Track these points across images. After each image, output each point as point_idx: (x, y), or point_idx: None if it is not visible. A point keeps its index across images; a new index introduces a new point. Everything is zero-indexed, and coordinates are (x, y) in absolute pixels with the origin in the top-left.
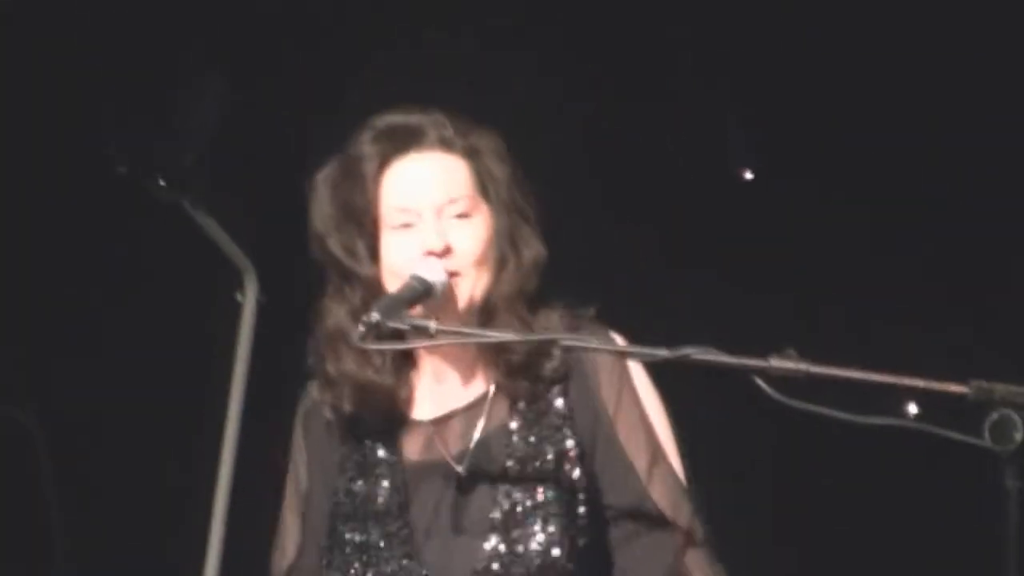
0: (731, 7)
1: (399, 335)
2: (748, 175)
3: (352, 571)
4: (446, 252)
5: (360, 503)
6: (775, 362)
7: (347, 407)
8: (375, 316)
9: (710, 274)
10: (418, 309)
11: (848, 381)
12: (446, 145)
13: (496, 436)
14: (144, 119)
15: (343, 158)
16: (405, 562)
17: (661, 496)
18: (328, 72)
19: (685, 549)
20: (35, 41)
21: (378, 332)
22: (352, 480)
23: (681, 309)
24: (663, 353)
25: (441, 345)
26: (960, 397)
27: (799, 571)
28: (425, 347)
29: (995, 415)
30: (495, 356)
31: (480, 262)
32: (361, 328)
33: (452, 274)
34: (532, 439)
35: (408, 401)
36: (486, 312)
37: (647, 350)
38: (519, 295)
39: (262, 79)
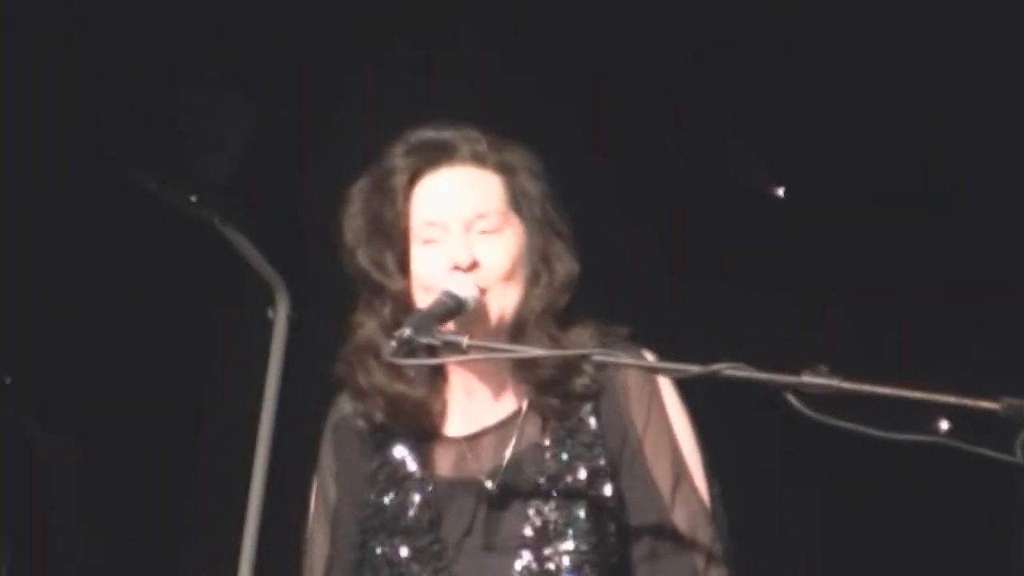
0: (731, 7)
1: (431, 350)
2: (780, 191)
3: None
4: (473, 266)
5: (390, 517)
6: (807, 378)
7: (379, 417)
8: (407, 332)
9: (709, 274)
10: (449, 325)
11: (879, 397)
12: (479, 160)
13: (528, 454)
14: (168, 136)
15: (375, 171)
16: None
17: (682, 519)
18: (328, 72)
19: (705, 572)
20: (35, 41)
21: (410, 347)
22: (381, 493)
23: (680, 309)
24: (694, 369)
25: (473, 360)
26: (990, 413)
27: None
28: (456, 362)
29: None
30: (526, 372)
31: (508, 277)
32: (393, 344)
33: (481, 290)
34: (564, 457)
35: (439, 416)
36: (517, 328)
37: (677, 366)
38: (550, 311)
39: (262, 79)
